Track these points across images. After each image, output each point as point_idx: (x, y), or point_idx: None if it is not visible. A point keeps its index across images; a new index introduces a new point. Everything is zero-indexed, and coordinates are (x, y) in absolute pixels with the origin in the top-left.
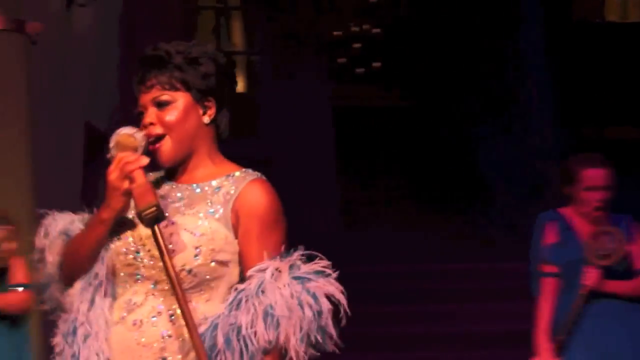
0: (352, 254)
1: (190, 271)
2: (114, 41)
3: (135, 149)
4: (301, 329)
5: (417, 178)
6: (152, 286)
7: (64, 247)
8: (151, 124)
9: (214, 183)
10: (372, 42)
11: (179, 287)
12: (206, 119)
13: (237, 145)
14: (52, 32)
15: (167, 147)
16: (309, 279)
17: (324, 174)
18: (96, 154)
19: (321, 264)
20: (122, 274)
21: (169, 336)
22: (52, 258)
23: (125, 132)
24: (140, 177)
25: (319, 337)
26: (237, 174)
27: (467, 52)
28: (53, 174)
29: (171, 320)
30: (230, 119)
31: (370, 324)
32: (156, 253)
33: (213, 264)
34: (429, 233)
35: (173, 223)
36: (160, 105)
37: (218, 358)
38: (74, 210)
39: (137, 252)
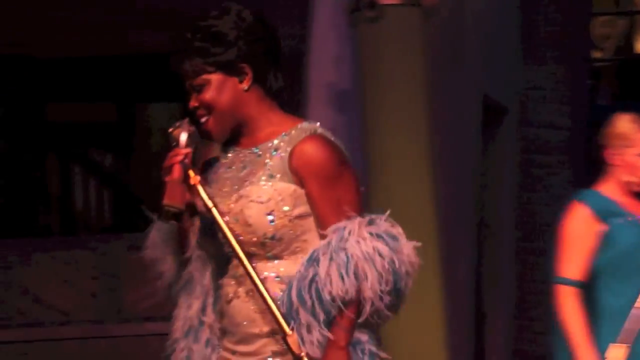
0: None
1: (273, 237)
2: (510, 9)
3: (182, 140)
4: (382, 280)
5: None
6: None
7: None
8: (195, 107)
9: (271, 144)
10: None
11: (244, 257)
12: (244, 86)
13: None
14: (446, 3)
15: (211, 126)
16: (388, 238)
17: None
18: (492, 128)
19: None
20: (220, 253)
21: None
22: (166, 266)
23: (172, 127)
24: (176, 172)
25: (403, 288)
26: (293, 131)
27: None
28: (450, 148)
29: (277, 282)
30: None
31: None
32: (236, 229)
33: (293, 221)
34: None
35: (241, 197)
36: (197, 89)
37: (295, 315)
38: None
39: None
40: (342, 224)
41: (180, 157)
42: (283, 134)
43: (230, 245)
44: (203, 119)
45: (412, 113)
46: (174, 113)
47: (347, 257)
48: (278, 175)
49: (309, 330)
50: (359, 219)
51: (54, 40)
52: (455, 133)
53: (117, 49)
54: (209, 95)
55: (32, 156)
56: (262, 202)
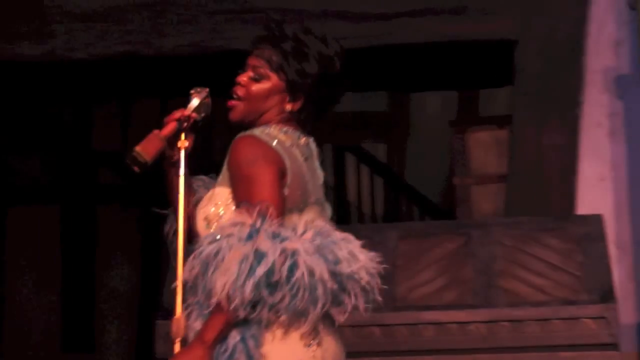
0: None
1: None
2: None
3: (193, 105)
4: (243, 283)
5: None
6: None
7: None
8: (239, 84)
9: None
10: None
11: (182, 241)
12: (288, 107)
13: None
14: None
15: (237, 110)
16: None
17: None
18: None
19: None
20: None
21: None
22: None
23: (194, 90)
24: (168, 128)
25: (265, 294)
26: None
27: None
28: None
29: None
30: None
31: None
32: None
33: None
34: None
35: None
36: (256, 74)
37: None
38: None
39: None
40: (234, 219)
41: (177, 115)
42: None
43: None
44: (235, 97)
45: None
46: (447, 101)
47: (217, 251)
48: (220, 178)
49: (189, 317)
50: (253, 218)
51: (328, 31)
52: None
53: (400, 37)
54: (258, 88)
55: None
56: (202, 207)
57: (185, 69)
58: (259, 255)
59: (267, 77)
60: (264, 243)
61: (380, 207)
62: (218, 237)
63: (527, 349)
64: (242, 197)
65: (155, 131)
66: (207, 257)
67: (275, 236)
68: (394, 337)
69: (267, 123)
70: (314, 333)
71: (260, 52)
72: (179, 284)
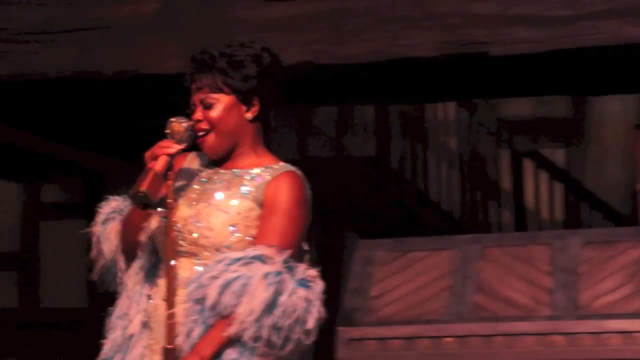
0: None
1: (229, 246)
2: None
3: (179, 136)
4: (257, 317)
5: None
6: (195, 260)
7: (120, 224)
8: (199, 120)
9: (253, 171)
10: None
11: (168, 261)
12: (249, 116)
13: None
14: None
15: (210, 141)
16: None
17: None
18: None
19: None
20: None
21: None
22: (108, 243)
23: (176, 120)
24: (160, 163)
25: (265, 334)
26: (276, 166)
27: None
28: None
29: None
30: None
31: None
32: (196, 231)
33: (248, 238)
34: None
35: (210, 204)
36: (206, 105)
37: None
38: None
39: (180, 231)
40: (261, 247)
41: (172, 151)
42: (265, 166)
43: (165, 248)
44: (201, 133)
45: None
46: (628, 105)
47: (238, 276)
48: (250, 196)
49: (189, 334)
50: (278, 252)
51: (509, 36)
52: None
53: (582, 40)
54: (216, 114)
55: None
56: (228, 213)
57: (364, 77)
58: (279, 296)
59: (217, 100)
60: (291, 286)
61: (559, 213)
62: (243, 261)
63: None
64: (271, 225)
65: (151, 165)
66: (230, 279)
67: (301, 284)
68: (578, 345)
69: (244, 145)
70: None
71: (199, 85)
72: (170, 314)
